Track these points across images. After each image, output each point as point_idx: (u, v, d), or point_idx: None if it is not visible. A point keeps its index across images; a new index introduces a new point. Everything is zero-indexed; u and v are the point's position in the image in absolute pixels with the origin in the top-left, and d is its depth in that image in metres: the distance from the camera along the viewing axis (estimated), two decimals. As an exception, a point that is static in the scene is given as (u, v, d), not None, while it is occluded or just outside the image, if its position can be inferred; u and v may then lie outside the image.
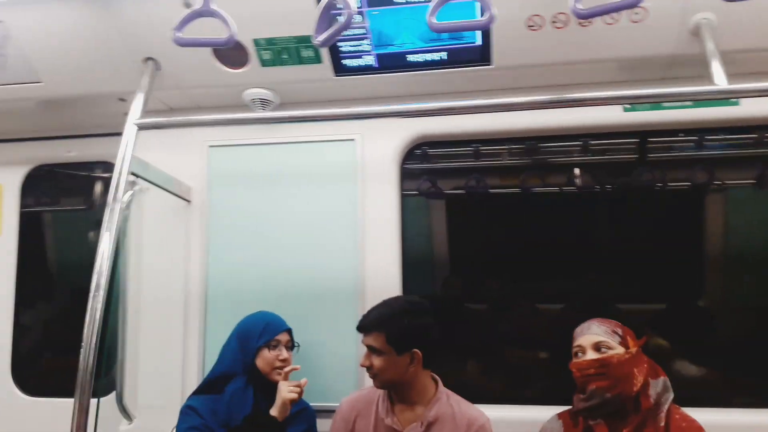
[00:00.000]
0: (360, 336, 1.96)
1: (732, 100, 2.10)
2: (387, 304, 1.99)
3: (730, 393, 2.63)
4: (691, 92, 1.81)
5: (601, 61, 2.13)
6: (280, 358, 2.07)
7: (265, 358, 2.06)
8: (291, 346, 2.15)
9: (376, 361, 1.89)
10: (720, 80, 1.77)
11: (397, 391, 1.95)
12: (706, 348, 2.92)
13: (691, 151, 2.78)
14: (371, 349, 1.91)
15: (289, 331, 2.15)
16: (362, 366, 1.94)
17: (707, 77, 1.80)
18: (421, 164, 3.18)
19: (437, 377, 2.01)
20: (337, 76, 2.23)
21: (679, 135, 2.65)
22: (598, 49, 2.05)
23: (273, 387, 2.01)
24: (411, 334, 1.90)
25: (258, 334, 2.08)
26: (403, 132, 2.44)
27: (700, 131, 2.56)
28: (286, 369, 2.03)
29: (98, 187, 3.24)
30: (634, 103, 2.17)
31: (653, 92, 1.82)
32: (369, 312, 1.98)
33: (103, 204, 1.98)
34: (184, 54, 2.01)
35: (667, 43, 2.00)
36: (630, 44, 2.02)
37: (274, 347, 2.08)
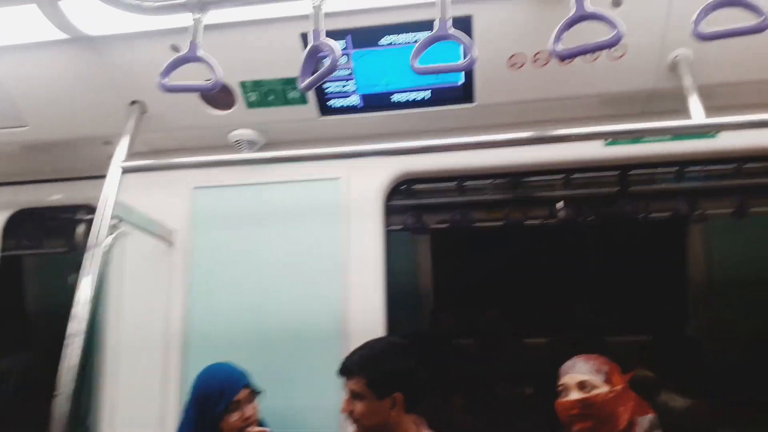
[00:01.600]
0: (343, 381, 1.92)
1: (710, 133, 2.15)
2: (368, 347, 1.95)
3: (720, 423, 2.62)
4: (670, 127, 1.85)
5: (581, 97, 2.16)
6: (244, 418, 1.97)
7: (229, 423, 1.96)
8: (254, 395, 2.05)
9: (357, 407, 1.84)
10: (698, 114, 1.80)
11: None
12: (695, 378, 2.92)
13: (671, 182, 2.84)
14: (352, 394, 1.87)
15: (247, 384, 2.03)
16: (343, 411, 1.89)
17: (686, 111, 1.84)
18: (406, 200, 3.20)
19: (420, 420, 1.96)
20: (322, 116, 2.25)
21: (660, 167, 2.70)
22: (579, 86, 2.09)
23: None
24: (392, 378, 1.86)
25: (216, 399, 1.96)
26: (388, 170, 2.44)
27: (680, 163, 2.61)
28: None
29: (81, 230, 3.21)
30: (614, 138, 2.21)
31: (633, 128, 1.85)
32: (350, 355, 1.94)
33: (84, 246, 1.96)
34: (170, 97, 2.01)
35: (646, 79, 2.05)
36: (610, 80, 2.06)
37: (235, 409, 1.98)
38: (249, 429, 1.96)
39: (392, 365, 1.88)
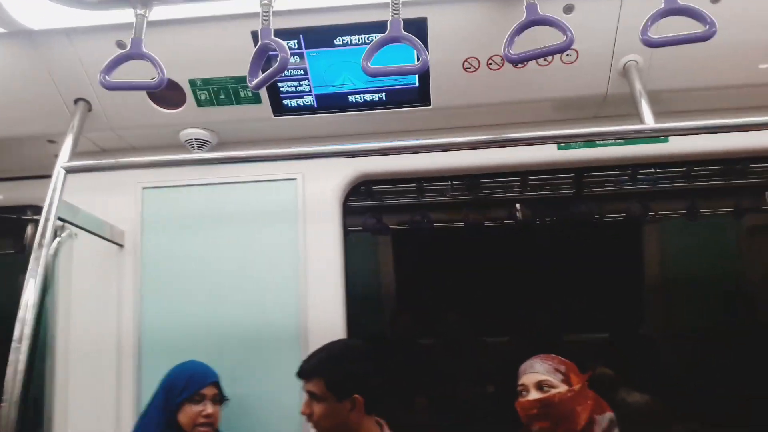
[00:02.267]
0: (302, 383, 1.91)
1: (660, 138, 2.19)
2: (327, 349, 1.95)
3: (675, 418, 2.68)
4: (621, 131, 1.87)
5: (536, 101, 2.18)
6: (204, 413, 1.96)
7: (187, 413, 1.96)
8: (219, 399, 2.05)
9: (317, 409, 1.84)
10: (648, 119, 1.84)
11: None
12: (650, 374, 2.98)
13: (624, 184, 2.89)
14: (311, 396, 1.86)
15: (215, 383, 2.04)
16: (302, 414, 1.88)
17: (638, 115, 1.87)
18: (365, 201, 3.18)
19: (382, 421, 1.96)
20: (276, 116, 2.20)
21: (613, 170, 2.75)
22: (533, 90, 2.10)
23: None
24: (351, 380, 1.86)
25: (181, 388, 1.97)
26: (345, 170, 2.42)
27: (633, 166, 2.65)
28: None
29: (30, 231, 3.11)
30: (567, 141, 2.23)
31: (585, 132, 1.87)
32: (309, 357, 1.94)
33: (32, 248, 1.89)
34: (116, 95, 1.96)
35: (599, 84, 2.07)
36: (563, 85, 2.08)
37: (198, 402, 1.97)
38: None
39: (351, 367, 1.89)
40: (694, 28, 1.49)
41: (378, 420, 1.95)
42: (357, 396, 1.84)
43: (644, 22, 1.49)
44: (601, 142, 2.23)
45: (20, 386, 1.72)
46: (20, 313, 1.77)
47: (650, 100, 1.89)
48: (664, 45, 1.48)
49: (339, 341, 2.09)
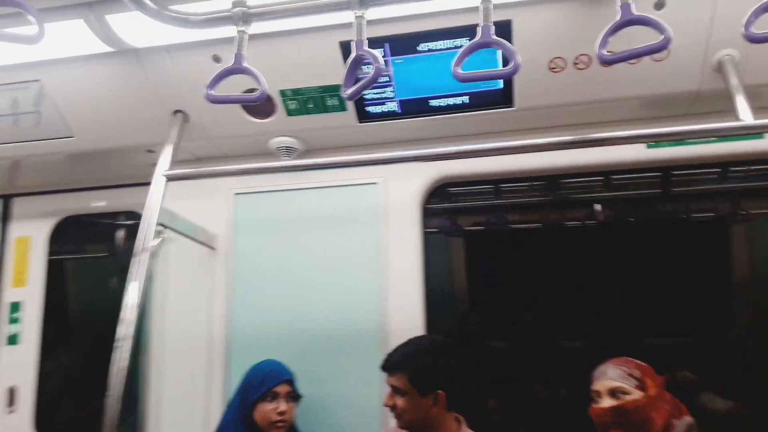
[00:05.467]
0: (384, 378, 1.94)
1: (758, 134, 2.09)
2: (411, 343, 1.97)
3: (761, 426, 2.57)
4: (714, 128, 1.80)
5: (623, 100, 2.13)
6: (278, 411, 2.01)
7: (262, 411, 2.01)
8: (294, 397, 2.09)
9: (400, 402, 1.87)
10: (745, 115, 1.77)
11: None
12: (736, 380, 2.87)
13: (715, 183, 2.78)
14: (395, 389, 1.89)
15: (290, 381, 2.08)
16: (385, 405, 1.92)
17: (732, 111, 1.80)
18: (443, 203, 3.19)
19: (461, 418, 1.98)
20: (360, 122, 2.26)
21: (704, 168, 2.65)
22: (621, 88, 2.06)
23: None
24: (434, 375, 1.88)
25: (256, 386, 2.03)
26: (426, 174, 2.45)
27: (725, 164, 2.55)
28: None
29: (121, 235, 3.29)
30: (657, 140, 2.17)
31: (676, 130, 1.80)
32: (393, 351, 1.96)
33: (125, 251, 2.01)
34: (212, 106, 2.05)
35: (690, 80, 2.01)
36: (653, 82, 2.03)
37: (273, 399, 2.02)
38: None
39: (435, 363, 1.90)
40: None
41: (457, 417, 1.96)
42: (439, 392, 1.86)
43: (747, 17, 1.44)
44: (693, 140, 2.15)
45: (123, 382, 1.84)
46: (122, 314, 1.89)
47: (747, 95, 1.81)
48: (769, 40, 1.42)
49: (423, 336, 2.12)
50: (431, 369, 1.89)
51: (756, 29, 1.45)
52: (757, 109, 1.77)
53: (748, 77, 1.91)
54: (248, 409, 2.03)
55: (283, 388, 2.05)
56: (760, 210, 2.98)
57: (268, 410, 2.01)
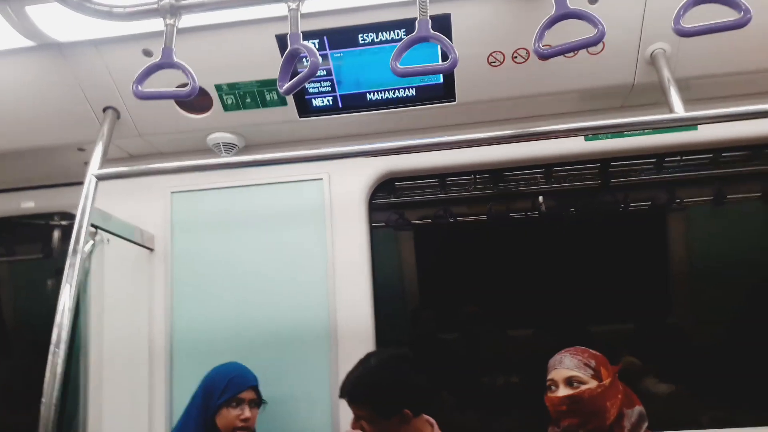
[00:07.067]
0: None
1: (689, 126, 2.16)
2: (365, 366, 1.90)
3: (701, 408, 2.66)
4: (649, 121, 1.83)
5: (562, 93, 2.16)
6: (241, 417, 1.97)
7: (225, 417, 1.97)
8: (257, 403, 2.05)
9: (366, 427, 1.82)
10: (677, 107, 1.81)
11: None
12: (678, 365, 2.96)
13: (651, 174, 2.85)
14: (358, 417, 1.84)
15: (254, 387, 2.05)
16: (352, 429, 1.87)
17: (666, 103, 1.85)
18: (389, 198, 3.18)
19: (432, 421, 1.95)
20: (301, 117, 2.21)
21: (640, 159, 2.72)
22: (559, 82, 2.09)
23: None
24: (395, 397, 1.83)
25: (220, 391, 1.98)
26: (371, 169, 2.43)
27: (660, 155, 2.62)
28: None
29: (56, 236, 3.15)
30: (595, 133, 2.20)
31: (613, 123, 1.83)
32: (350, 377, 1.88)
33: (61, 253, 1.93)
34: (144, 102, 1.97)
35: (626, 73, 2.05)
36: (589, 75, 2.06)
37: (236, 405, 1.98)
38: None
39: (394, 384, 1.85)
40: (723, 14, 1.46)
41: (428, 420, 1.93)
42: (405, 411, 1.81)
43: (676, 11, 1.47)
44: (629, 132, 2.20)
45: (58, 389, 1.75)
46: (57, 318, 1.80)
47: (678, 87, 1.86)
48: (698, 34, 1.45)
49: (375, 354, 2.01)
50: (391, 392, 1.83)
51: (685, 23, 1.48)
52: (689, 101, 1.82)
53: (680, 70, 1.96)
54: (210, 413, 1.97)
55: (248, 394, 2.01)
56: (694, 199, 3.08)
57: (231, 416, 1.96)
